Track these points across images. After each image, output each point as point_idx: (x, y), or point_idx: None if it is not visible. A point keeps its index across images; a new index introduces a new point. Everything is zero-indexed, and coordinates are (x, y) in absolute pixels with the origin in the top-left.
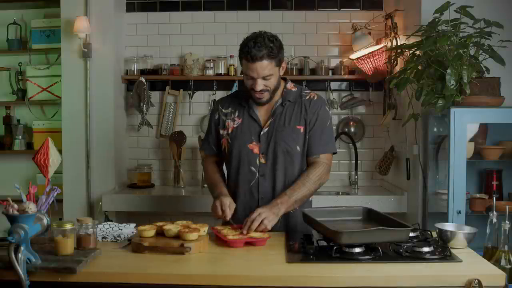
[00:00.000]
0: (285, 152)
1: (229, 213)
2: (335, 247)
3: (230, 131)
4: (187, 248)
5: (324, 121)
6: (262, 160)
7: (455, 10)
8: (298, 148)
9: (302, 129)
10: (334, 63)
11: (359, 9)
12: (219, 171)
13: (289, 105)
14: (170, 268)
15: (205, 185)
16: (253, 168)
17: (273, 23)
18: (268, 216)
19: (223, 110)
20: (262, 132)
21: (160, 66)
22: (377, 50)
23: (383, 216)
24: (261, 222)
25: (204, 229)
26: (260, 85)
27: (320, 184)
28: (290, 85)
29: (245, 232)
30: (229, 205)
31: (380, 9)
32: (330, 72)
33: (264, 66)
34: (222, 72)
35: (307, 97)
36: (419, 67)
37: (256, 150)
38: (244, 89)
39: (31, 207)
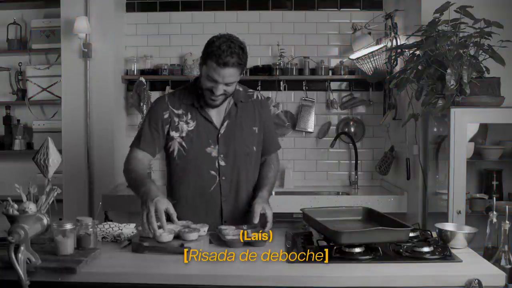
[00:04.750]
0: (245, 153)
1: (163, 227)
2: (335, 247)
3: (184, 134)
4: (187, 248)
5: (272, 120)
6: (222, 163)
7: (455, 10)
8: (254, 148)
9: (257, 130)
10: (334, 63)
11: (359, 9)
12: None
13: (242, 106)
14: (170, 268)
15: None
16: (212, 172)
17: (273, 23)
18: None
19: (175, 111)
20: (219, 134)
21: (160, 66)
22: (377, 50)
23: (383, 216)
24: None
25: (204, 229)
26: (220, 89)
27: None
28: (237, 85)
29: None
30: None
31: (380, 9)
32: (330, 72)
33: (231, 73)
34: None
35: (255, 97)
36: (419, 67)
37: (214, 153)
38: (198, 88)
39: (31, 207)
